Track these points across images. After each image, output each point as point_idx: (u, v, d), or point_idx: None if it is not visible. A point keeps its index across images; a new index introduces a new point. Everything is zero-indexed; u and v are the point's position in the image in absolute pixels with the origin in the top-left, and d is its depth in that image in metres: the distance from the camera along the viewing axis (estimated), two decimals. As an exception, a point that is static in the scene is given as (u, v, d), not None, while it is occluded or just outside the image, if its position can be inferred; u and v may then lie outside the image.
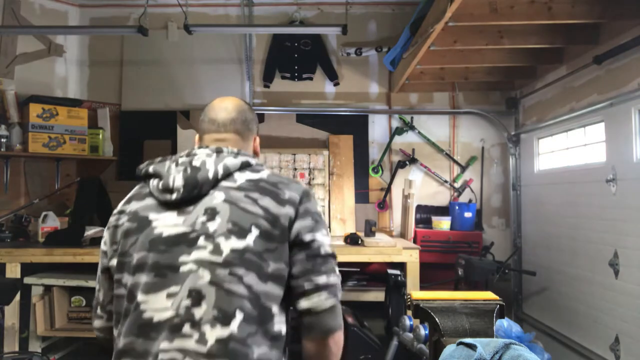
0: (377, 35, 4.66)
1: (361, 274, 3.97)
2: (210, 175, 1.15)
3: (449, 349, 1.61)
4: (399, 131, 4.62)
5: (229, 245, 1.09)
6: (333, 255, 1.21)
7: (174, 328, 1.04)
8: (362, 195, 4.57)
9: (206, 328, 1.03)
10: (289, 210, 1.15)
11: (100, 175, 4.42)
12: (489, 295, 2.19)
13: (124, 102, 4.66)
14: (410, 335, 2.88)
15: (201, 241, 1.10)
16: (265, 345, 1.07)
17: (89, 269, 3.60)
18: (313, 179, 4.47)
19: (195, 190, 1.14)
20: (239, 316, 1.05)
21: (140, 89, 4.65)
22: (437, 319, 1.98)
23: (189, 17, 3.51)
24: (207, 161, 1.17)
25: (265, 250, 1.10)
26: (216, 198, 1.14)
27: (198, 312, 1.05)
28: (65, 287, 3.57)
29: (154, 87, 4.64)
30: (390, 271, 3.48)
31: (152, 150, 4.56)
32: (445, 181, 4.61)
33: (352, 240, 3.68)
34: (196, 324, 1.04)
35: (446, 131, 4.67)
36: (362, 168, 4.59)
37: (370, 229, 3.81)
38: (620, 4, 2.83)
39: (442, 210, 4.57)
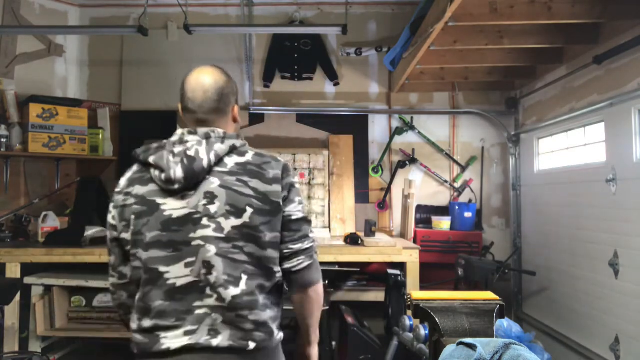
0: (377, 35, 4.66)
1: (361, 274, 3.96)
2: (205, 164, 1.32)
3: (449, 349, 1.61)
4: (399, 131, 4.62)
5: (229, 223, 1.31)
6: (307, 220, 1.44)
7: (200, 290, 1.30)
8: (362, 195, 4.57)
9: (221, 290, 1.29)
10: (277, 188, 1.37)
11: (100, 175, 4.42)
12: (489, 295, 2.20)
13: (124, 102, 4.66)
14: (410, 335, 2.88)
15: (204, 221, 1.31)
16: (265, 292, 1.35)
17: (89, 269, 3.60)
18: (313, 179, 4.47)
19: (193, 180, 1.32)
20: (244, 277, 1.31)
21: (140, 89, 4.65)
22: (437, 319, 1.98)
23: (189, 17, 3.51)
24: (199, 150, 1.33)
25: (260, 224, 1.33)
26: (212, 183, 1.33)
27: (212, 278, 1.29)
28: (65, 287, 3.57)
29: (154, 87, 4.64)
30: (390, 271, 3.48)
31: (152, 150, 4.56)
32: (445, 181, 4.61)
33: (352, 240, 3.68)
34: (213, 287, 1.29)
35: (446, 131, 4.67)
36: (362, 168, 4.59)
37: (370, 229, 3.81)
38: (620, 4, 2.83)
39: (442, 210, 4.57)
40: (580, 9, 2.87)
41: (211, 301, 1.29)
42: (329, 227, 4.37)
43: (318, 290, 1.45)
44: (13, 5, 4.16)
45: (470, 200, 4.55)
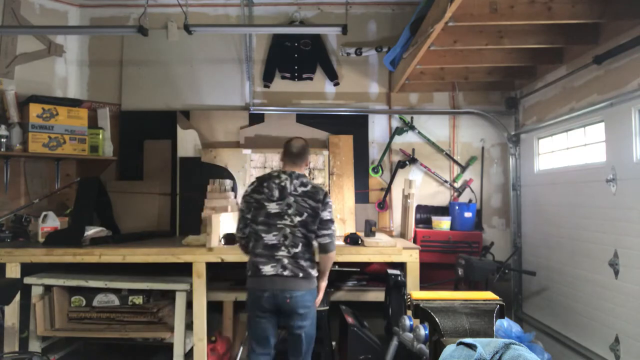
0: (377, 35, 4.66)
1: (361, 274, 3.96)
2: (289, 191, 2.75)
3: (449, 349, 1.61)
4: (399, 131, 4.63)
5: (297, 219, 2.73)
6: (332, 220, 2.83)
7: (278, 247, 2.71)
8: (362, 195, 4.57)
9: (290, 248, 2.71)
10: (319, 205, 2.76)
11: (100, 175, 4.42)
12: (489, 295, 2.20)
13: (124, 102, 4.66)
14: (410, 335, 2.88)
15: (285, 216, 2.73)
16: (309, 253, 2.78)
17: (89, 269, 3.60)
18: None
19: (282, 197, 2.75)
20: (300, 244, 2.73)
21: (140, 89, 4.65)
22: (437, 319, 1.98)
23: (189, 17, 3.51)
24: (287, 184, 2.76)
25: (309, 221, 2.74)
26: (290, 199, 2.74)
27: (287, 242, 2.72)
28: (65, 287, 3.57)
29: (154, 87, 4.64)
30: (390, 271, 3.48)
31: (152, 150, 4.56)
32: (445, 181, 4.61)
33: (352, 240, 3.68)
34: (286, 247, 2.71)
35: (446, 131, 4.67)
36: (362, 168, 4.59)
37: (370, 229, 3.81)
38: (620, 4, 2.83)
39: (442, 210, 4.57)
40: (580, 9, 2.87)
41: (284, 253, 2.70)
42: (329, 227, 4.37)
43: (333, 254, 2.86)
44: (13, 5, 4.17)
45: (470, 200, 4.55)
